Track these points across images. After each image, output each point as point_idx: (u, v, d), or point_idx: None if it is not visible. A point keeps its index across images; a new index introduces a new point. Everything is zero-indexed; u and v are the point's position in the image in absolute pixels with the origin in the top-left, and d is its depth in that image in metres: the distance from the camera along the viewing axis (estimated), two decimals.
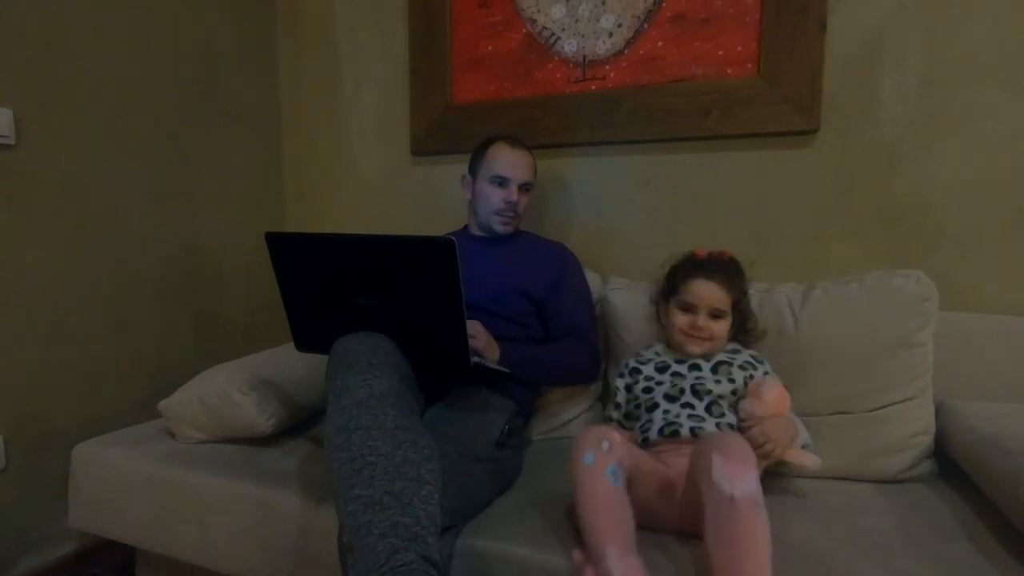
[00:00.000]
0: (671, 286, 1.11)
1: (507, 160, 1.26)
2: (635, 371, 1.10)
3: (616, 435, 0.84)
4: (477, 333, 1.04)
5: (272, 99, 1.81)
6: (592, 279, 1.35)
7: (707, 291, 1.05)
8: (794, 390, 1.06)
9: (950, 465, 1.02)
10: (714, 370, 1.03)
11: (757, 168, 1.36)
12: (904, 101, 1.24)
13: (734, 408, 0.99)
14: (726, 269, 1.09)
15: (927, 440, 1.02)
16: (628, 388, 1.11)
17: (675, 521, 0.85)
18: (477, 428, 1.01)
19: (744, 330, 1.11)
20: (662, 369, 1.07)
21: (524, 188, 1.28)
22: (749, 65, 1.33)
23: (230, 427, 1.14)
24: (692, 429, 0.95)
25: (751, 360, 1.05)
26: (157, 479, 1.08)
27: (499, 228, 1.28)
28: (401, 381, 0.87)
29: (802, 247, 1.34)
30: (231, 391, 1.12)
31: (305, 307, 1.02)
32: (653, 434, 0.97)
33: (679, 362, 1.06)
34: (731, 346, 1.09)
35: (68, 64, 1.28)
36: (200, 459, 1.10)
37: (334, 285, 0.97)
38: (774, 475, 1.00)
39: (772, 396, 0.95)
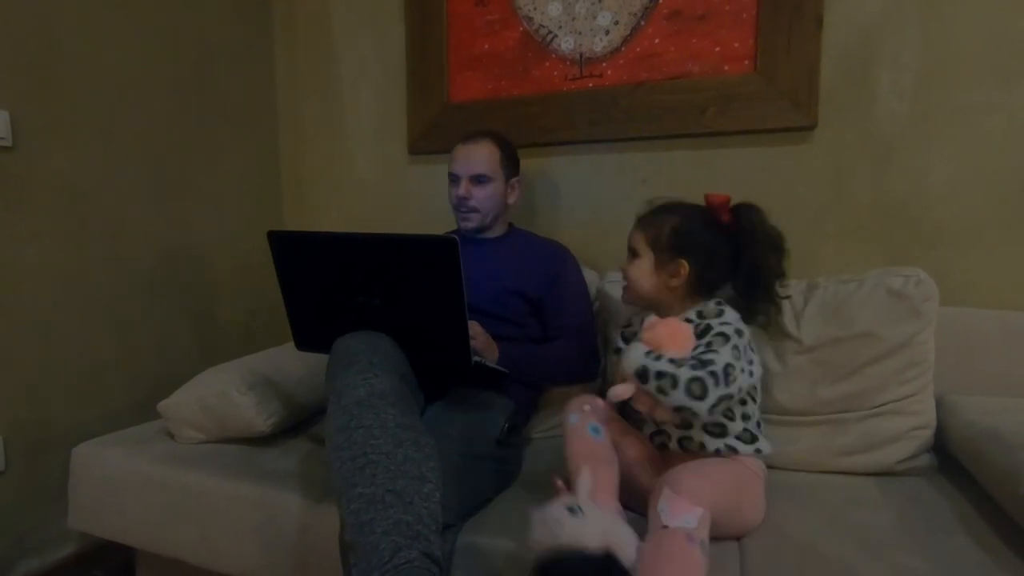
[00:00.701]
0: None
1: (457, 156, 1.27)
2: (617, 352, 1.03)
3: (599, 400, 0.91)
4: (476, 334, 1.04)
5: (269, 99, 1.80)
6: (589, 276, 1.34)
7: (630, 238, 0.99)
8: (796, 389, 1.06)
9: (949, 459, 1.02)
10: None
11: (754, 165, 1.36)
12: (901, 97, 1.24)
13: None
14: (657, 210, 0.98)
15: (927, 434, 1.02)
16: (608, 369, 1.10)
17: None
18: (478, 427, 1.01)
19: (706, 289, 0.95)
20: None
21: (478, 180, 1.25)
22: (746, 62, 1.33)
23: (229, 427, 1.14)
24: (681, 442, 0.91)
25: (697, 318, 0.90)
26: (157, 480, 1.08)
27: (461, 225, 1.29)
28: (401, 380, 0.87)
29: (800, 244, 1.31)
30: (230, 391, 1.12)
31: (306, 306, 1.03)
32: (645, 437, 0.96)
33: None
34: (700, 308, 0.92)
35: (65, 66, 1.27)
36: (200, 459, 1.10)
37: (336, 284, 0.97)
38: (773, 468, 1.00)
39: (651, 325, 0.86)
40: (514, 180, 1.31)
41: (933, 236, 1.25)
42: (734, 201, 0.96)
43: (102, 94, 1.35)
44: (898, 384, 1.03)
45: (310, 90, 1.79)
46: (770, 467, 0.99)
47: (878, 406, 1.03)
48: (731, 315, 0.90)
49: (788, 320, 1.10)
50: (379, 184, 1.74)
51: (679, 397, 0.77)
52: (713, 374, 0.78)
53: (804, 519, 0.88)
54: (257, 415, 1.13)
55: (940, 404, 1.05)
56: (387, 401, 0.80)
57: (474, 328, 1.03)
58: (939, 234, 1.24)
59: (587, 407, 0.91)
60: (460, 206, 1.27)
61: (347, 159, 1.77)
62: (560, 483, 0.81)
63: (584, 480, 0.78)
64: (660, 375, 0.77)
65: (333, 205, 1.81)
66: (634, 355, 0.81)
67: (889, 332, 1.03)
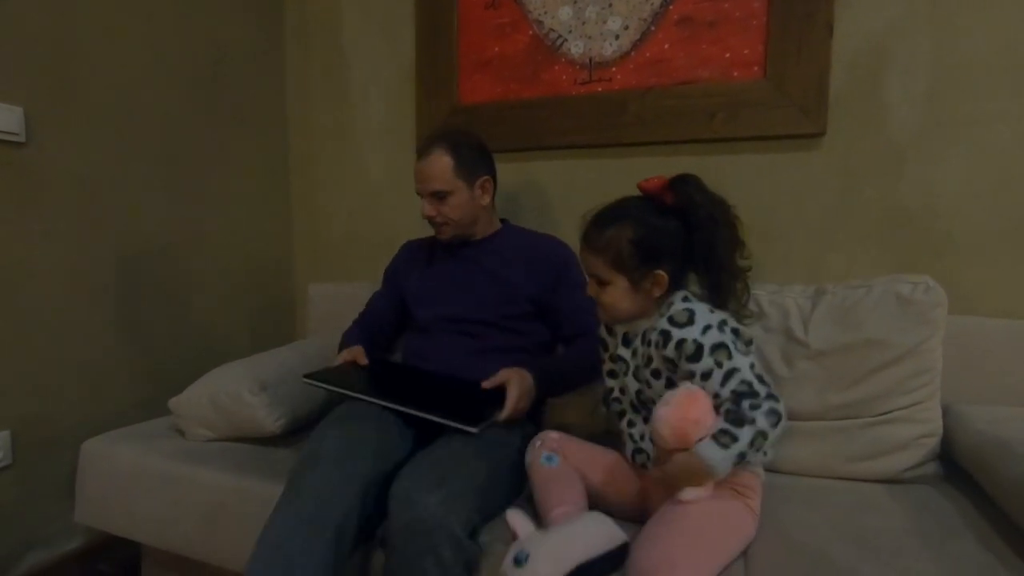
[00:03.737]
0: None
1: (415, 173, 1.21)
2: (601, 343, 1.00)
3: (552, 434, 0.95)
4: (514, 397, 1.00)
5: (280, 101, 1.81)
6: None
7: (584, 259, 0.90)
8: (803, 394, 1.06)
9: (956, 468, 1.03)
10: (635, 354, 0.90)
11: (763, 171, 1.36)
12: (911, 106, 1.24)
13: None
14: (607, 223, 0.87)
15: (933, 442, 1.03)
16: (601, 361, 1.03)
17: (632, 508, 0.89)
18: (499, 444, 1.01)
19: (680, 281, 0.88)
20: (626, 340, 0.93)
21: (438, 196, 1.18)
22: (755, 68, 1.33)
23: (240, 427, 1.15)
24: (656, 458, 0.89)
25: (665, 328, 0.83)
26: (165, 476, 1.09)
27: (439, 238, 1.26)
28: (360, 495, 0.88)
29: (808, 250, 1.34)
30: (242, 391, 1.13)
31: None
32: (627, 454, 0.94)
33: (625, 340, 0.93)
34: (669, 313, 0.85)
35: (78, 63, 1.29)
36: (208, 456, 1.11)
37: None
38: (779, 472, 1.00)
39: (665, 432, 0.79)
40: (481, 180, 1.22)
41: (942, 244, 1.25)
42: (746, 215, 0.92)
43: (115, 93, 1.36)
44: (905, 391, 1.03)
45: (321, 92, 1.80)
46: (776, 471, 0.99)
47: (885, 413, 1.04)
48: (702, 316, 0.83)
49: (796, 324, 1.10)
50: (388, 185, 1.74)
51: (752, 453, 0.77)
52: (753, 405, 0.76)
53: (810, 524, 0.88)
54: (268, 416, 1.13)
55: (947, 412, 1.05)
56: (307, 546, 0.83)
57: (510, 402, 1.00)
58: (948, 242, 1.24)
59: (537, 442, 0.94)
60: (430, 223, 1.23)
61: (357, 160, 1.78)
62: (512, 523, 0.82)
63: (519, 522, 0.81)
64: (740, 456, 0.76)
65: (342, 206, 1.81)
66: (713, 458, 0.75)
67: (897, 339, 1.03)
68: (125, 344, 1.41)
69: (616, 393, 0.97)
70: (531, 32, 1.51)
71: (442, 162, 1.18)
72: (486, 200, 1.24)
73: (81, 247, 1.31)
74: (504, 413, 0.99)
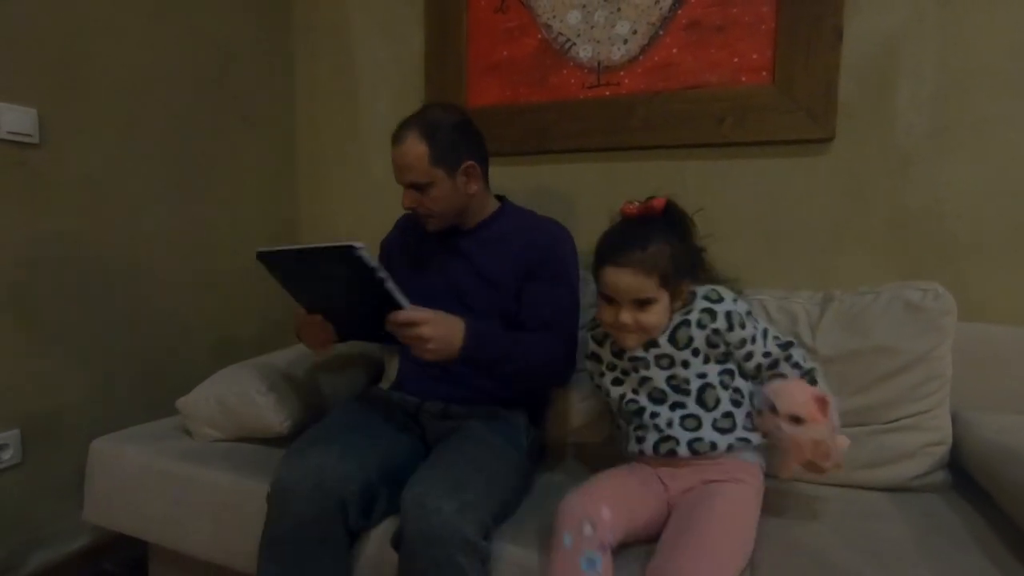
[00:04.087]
0: (593, 270, 0.94)
1: (392, 161, 1.09)
2: (595, 356, 1.03)
3: (604, 512, 0.79)
4: (423, 320, 0.90)
5: (287, 103, 1.82)
6: None
7: (620, 282, 0.87)
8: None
9: (964, 476, 1.02)
10: (673, 340, 0.92)
11: (770, 176, 1.36)
12: (920, 110, 1.24)
13: (723, 383, 0.92)
14: (648, 239, 0.87)
15: (942, 450, 1.02)
16: (593, 376, 1.06)
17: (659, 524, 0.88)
18: (509, 446, 1.02)
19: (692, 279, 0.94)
20: (620, 353, 0.97)
21: (416, 188, 1.07)
22: (764, 73, 1.33)
23: (247, 427, 1.16)
24: (691, 445, 0.90)
25: (707, 307, 0.92)
26: (173, 475, 1.09)
27: (428, 230, 1.15)
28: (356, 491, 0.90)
29: (815, 255, 1.34)
30: (250, 392, 1.14)
31: (315, 307, 1.05)
32: (649, 449, 0.93)
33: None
34: (683, 315, 0.94)
35: (90, 65, 1.30)
36: (216, 457, 1.12)
37: (309, 290, 1.02)
38: (787, 480, 1.00)
39: (805, 396, 0.84)
40: (465, 166, 1.08)
41: (951, 250, 1.24)
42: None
43: (124, 94, 1.37)
44: (914, 399, 1.03)
45: (329, 93, 1.81)
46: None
47: (893, 420, 1.03)
48: (723, 292, 0.95)
49: (803, 330, 1.10)
50: (395, 187, 1.73)
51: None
52: (796, 347, 0.95)
53: (817, 531, 0.88)
54: (276, 417, 1.14)
55: (956, 420, 1.05)
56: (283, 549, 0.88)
57: (421, 314, 0.91)
58: (957, 248, 1.24)
59: (587, 527, 0.77)
60: (414, 214, 1.13)
61: (364, 162, 1.78)
62: None
63: None
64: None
65: (349, 208, 1.82)
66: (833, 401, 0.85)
67: (906, 346, 1.03)
68: (133, 344, 1.42)
69: (629, 395, 0.97)
70: (540, 36, 1.52)
71: (416, 151, 1.05)
72: (473, 188, 1.11)
73: (91, 246, 1.32)
74: (399, 317, 0.89)
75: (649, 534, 0.85)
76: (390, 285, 0.88)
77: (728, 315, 0.92)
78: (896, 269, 1.27)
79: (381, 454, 0.97)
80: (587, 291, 1.30)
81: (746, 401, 0.94)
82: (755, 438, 0.92)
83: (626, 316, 0.89)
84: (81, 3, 1.27)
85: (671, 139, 1.41)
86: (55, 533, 1.30)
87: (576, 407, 1.26)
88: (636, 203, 0.95)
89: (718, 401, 0.92)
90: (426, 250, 1.19)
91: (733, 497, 0.86)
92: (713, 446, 0.90)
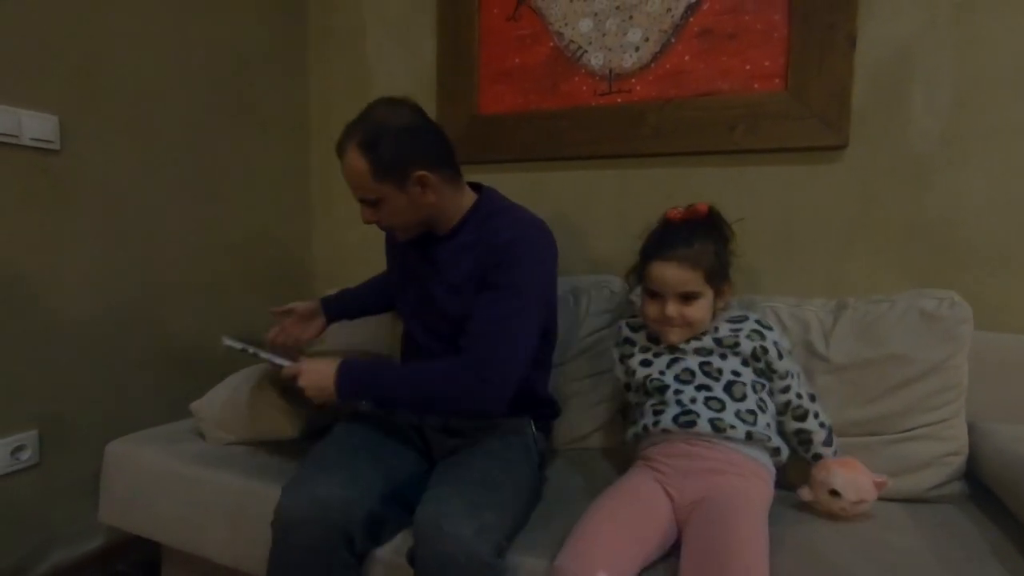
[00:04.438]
0: (638, 269, 0.99)
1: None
2: (628, 342, 1.06)
3: (623, 565, 0.76)
4: (294, 373, 0.97)
5: (302, 109, 1.85)
6: (616, 285, 1.33)
7: (668, 275, 0.93)
8: (824, 409, 1.04)
9: (981, 487, 1.01)
10: (718, 340, 0.96)
11: (783, 183, 1.35)
12: (934, 118, 1.23)
13: (755, 387, 0.95)
14: (693, 237, 0.94)
15: (959, 460, 1.01)
16: (622, 359, 1.07)
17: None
18: (522, 461, 1.01)
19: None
20: (657, 340, 1.01)
21: (368, 203, 0.99)
22: (776, 80, 1.33)
23: (259, 431, 1.16)
24: (712, 421, 0.90)
25: (758, 329, 0.97)
26: (188, 477, 1.10)
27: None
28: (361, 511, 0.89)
29: (828, 262, 1.33)
30: (262, 395, 1.14)
31: None
32: (667, 421, 0.92)
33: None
34: (731, 313, 1.01)
35: (110, 74, 1.32)
36: (231, 459, 1.12)
37: None
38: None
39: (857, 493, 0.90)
40: (416, 176, 0.95)
41: (965, 258, 1.23)
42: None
43: (142, 101, 1.39)
44: (930, 408, 1.02)
45: (342, 99, 1.82)
46: (799, 487, 0.98)
47: (909, 430, 1.02)
48: (770, 321, 1.00)
49: (816, 338, 1.09)
50: None
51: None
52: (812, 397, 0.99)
53: (833, 541, 0.87)
54: (288, 421, 1.14)
55: (972, 430, 1.04)
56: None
57: (291, 370, 0.99)
58: (972, 256, 1.22)
59: None
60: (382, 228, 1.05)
61: None
62: None
63: None
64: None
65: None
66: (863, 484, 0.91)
67: (921, 355, 1.02)
68: (150, 346, 1.44)
69: (655, 375, 0.99)
70: (552, 44, 1.53)
71: (357, 166, 0.95)
72: (431, 197, 0.98)
73: (108, 250, 1.34)
74: (282, 376, 0.99)
75: (664, 550, 0.84)
76: (262, 355, 1.01)
77: (776, 344, 0.97)
78: (911, 277, 1.26)
79: (385, 475, 0.94)
80: (573, 309, 1.32)
81: (770, 413, 0.96)
82: (775, 439, 0.94)
83: (672, 309, 0.93)
84: (101, 13, 1.30)
85: (683, 146, 1.41)
86: (70, 533, 1.32)
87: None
88: (680, 208, 1.00)
89: (745, 396, 0.94)
90: (409, 258, 1.12)
91: (748, 513, 0.83)
92: (732, 427, 0.90)
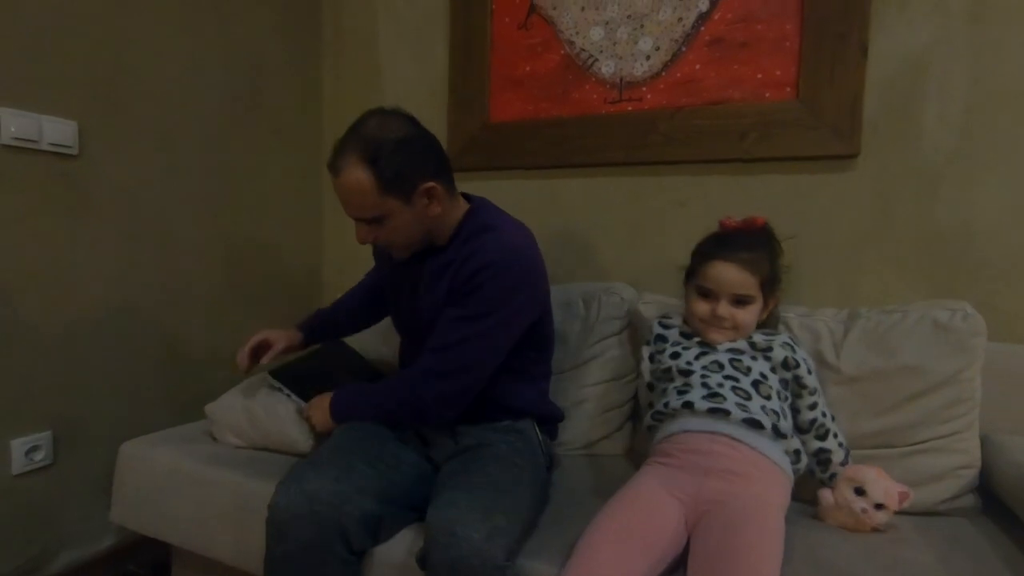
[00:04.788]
0: (692, 267, 1.03)
1: (336, 190, 0.98)
2: (660, 339, 1.07)
3: None
4: (305, 412, 1.12)
5: (315, 117, 1.87)
6: (627, 293, 1.34)
7: (726, 275, 0.95)
8: (836, 421, 1.04)
9: (994, 501, 1.00)
10: (752, 345, 0.99)
11: (794, 192, 1.35)
12: (947, 128, 1.22)
13: (780, 393, 0.95)
14: (752, 245, 0.97)
15: (972, 473, 1.00)
16: (652, 357, 1.08)
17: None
18: (530, 465, 1.01)
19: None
20: (689, 335, 1.04)
21: (368, 222, 0.96)
22: (788, 89, 1.33)
23: (272, 439, 1.16)
24: (739, 406, 0.90)
25: (791, 343, 1.00)
26: (200, 479, 1.11)
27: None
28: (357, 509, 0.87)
29: (839, 273, 1.33)
30: (277, 405, 1.15)
31: None
32: (695, 399, 0.91)
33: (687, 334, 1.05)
34: (765, 329, 1.03)
35: (128, 81, 1.34)
36: (243, 463, 1.13)
37: None
38: (813, 502, 0.98)
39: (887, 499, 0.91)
40: (424, 188, 0.93)
41: (979, 269, 1.22)
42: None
43: (159, 107, 1.41)
44: (942, 421, 1.01)
45: (355, 107, 1.82)
46: (810, 501, 0.97)
47: (921, 442, 1.01)
48: (784, 341, 1.00)
49: (827, 348, 1.08)
50: None
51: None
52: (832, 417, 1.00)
53: (844, 553, 0.86)
54: (300, 432, 1.14)
55: (986, 443, 1.03)
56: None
57: (304, 411, 1.13)
58: (986, 267, 1.22)
59: None
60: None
61: None
62: None
63: None
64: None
65: None
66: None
67: (934, 366, 1.01)
68: (163, 349, 1.46)
69: (682, 364, 1.00)
70: (563, 52, 1.54)
71: (360, 182, 0.90)
72: (438, 209, 0.96)
73: (124, 254, 1.36)
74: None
75: (672, 559, 0.82)
76: (293, 398, 1.17)
77: (805, 360, 0.99)
78: (923, 288, 1.26)
79: (381, 473, 0.93)
80: (583, 315, 1.31)
81: (791, 422, 0.96)
82: (797, 442, 0.94)
83: (724, 309, 0.96)
84: (120, 21, 1.32)
85: (693, 154, 1.41)
86: (82, 533, 1.33)
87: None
88: (736, 218, 1.03)
89: (770, 396, 0.94)
90: (397, 272, 1.12)
91: (765, 525, 0.80)
92: (758, 424, 0.89)
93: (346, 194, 0.93)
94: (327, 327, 1.33)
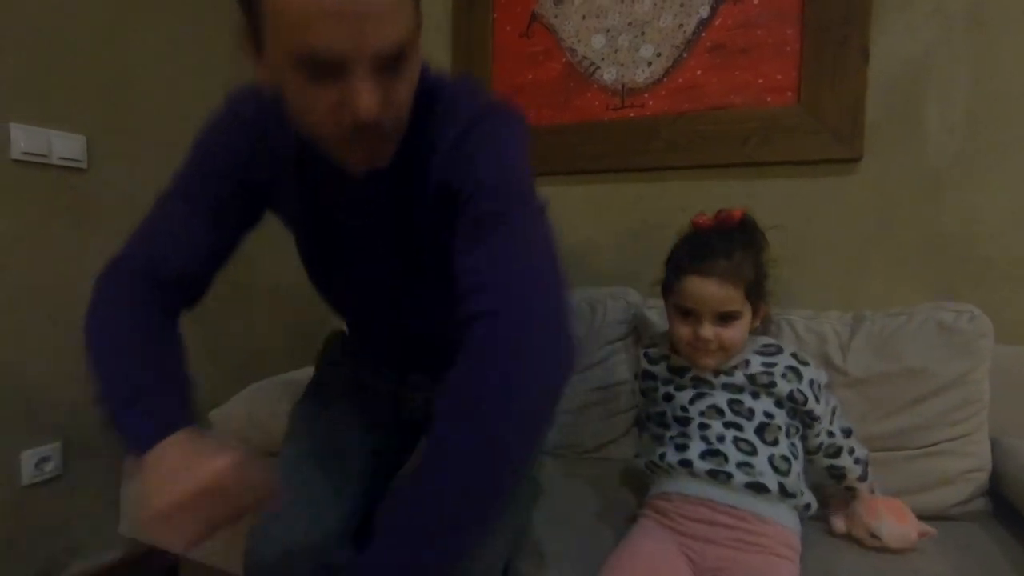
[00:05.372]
0: (667, 282, 0.89)
1: (341, 22, 0.53)
2: (648, 376, 0.97)
3: None
4: None
5: None
6: (632, 297, 1.33)
7: (704, 292, 0.82)
8: (860, 444, 1.02)
9: (1004, 504, 0.99)
10: (751, 379, 0.87)
11: (797, 196, 1.35)
12: (950, 132, 1.23)
13: (788, 431, 0.87)
14: (730, 249, 0.83)
15: (982, 477, 0.99)
16: (644, 392, 1.01)
17: None
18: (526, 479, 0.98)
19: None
20: (680, 371, 0.92)
21: (390, 68, 0.62)
22: (789, 93, 1.34)
23: (277, 444, 1.17)
24: (742, 466, 0.81)
25: (795, 365, 0.88)
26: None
27: (359, 166, 0.69)
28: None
29: (844, 276, 1.33)
30: (281, 412, 1.15)
31: None
32: (693, 457, 0.83)
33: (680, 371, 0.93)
34: (762, 341, 0.92)
35: (135, 95, 1.36)
36: None
37: None
38: (821, 506, 0.98)
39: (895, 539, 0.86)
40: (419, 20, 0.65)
41: (983, 272, 1.22)
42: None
43: (168, 122, 1.43)
44: (950, 423, 1.00)
45: None
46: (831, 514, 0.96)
47: (930, 445, 1.01)
48: (807, 355, 0.93)
49: (833, 351, 1.08)
50: None
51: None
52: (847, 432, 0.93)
53: (854, 560, 0.86)
54: None
55: (995, 446, 1.02)
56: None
57: None
58: (989, 270, 1.21)
59: None
60: (358, 136, 0.63)
61: None
62: None
63: None
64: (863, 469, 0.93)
65: None
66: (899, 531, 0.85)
67: (939, 369, 1.00)
68: None
69: (678, 411, 0.92)
70: (564, 60, 1.55)
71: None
72: (418, 64, 0.68)
73: None
74: None
75: None
76: None
77: (811, 383, 0.89)
78: (928, 291, 1.25)
79: (357, 492, 0.86)
80: (588, 319, 1.30)
81: (801, 458, 0.89)
82: (808, 496, 0.87)
83: (707, 331, 0.83)
84: (127, 36, 1.34)
85: (696, 159, 1.42)
86: (91, 544, 1.33)
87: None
88: (708, 214, 0.90)
89: (777, 441, 0.84)
90: (321, 189, 0.80)
91: None
92: (764, 488, 0.80)
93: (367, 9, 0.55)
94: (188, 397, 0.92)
